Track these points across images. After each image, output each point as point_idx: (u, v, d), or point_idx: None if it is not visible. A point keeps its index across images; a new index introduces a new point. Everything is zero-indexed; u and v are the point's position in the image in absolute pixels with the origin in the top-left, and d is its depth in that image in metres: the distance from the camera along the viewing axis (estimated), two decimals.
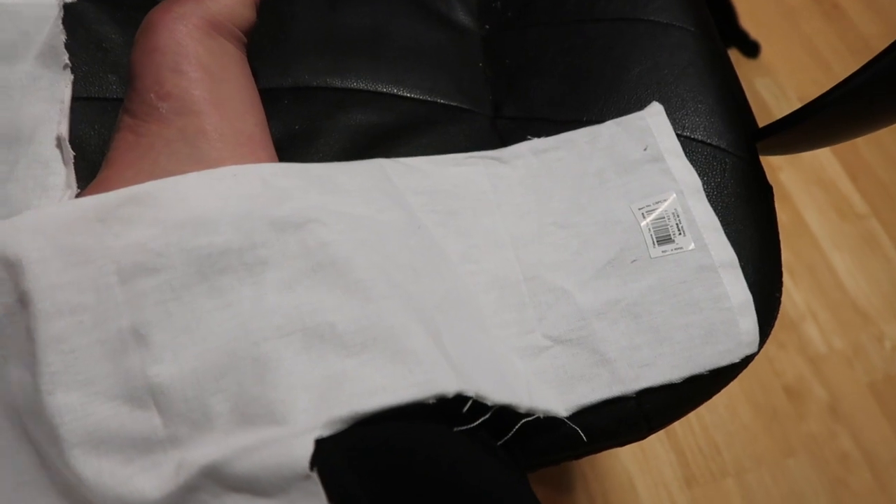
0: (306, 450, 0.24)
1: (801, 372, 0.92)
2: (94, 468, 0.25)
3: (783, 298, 0.40)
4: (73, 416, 0.25)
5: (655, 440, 0.85)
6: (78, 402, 0.25)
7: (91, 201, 0.27)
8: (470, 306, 0.33)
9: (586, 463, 0.81)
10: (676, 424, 0.87)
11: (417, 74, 0.42)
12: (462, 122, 0.42)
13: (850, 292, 0.99)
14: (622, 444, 0.34)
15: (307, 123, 0.40)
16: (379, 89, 0.41)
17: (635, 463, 0.83)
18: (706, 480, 0.84)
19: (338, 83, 0.41)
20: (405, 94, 0.42)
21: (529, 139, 0.40)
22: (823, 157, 1.09)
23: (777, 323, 0.36)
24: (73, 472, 0.25)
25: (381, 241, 0.31)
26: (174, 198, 0.28)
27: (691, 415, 0.88)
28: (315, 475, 0.23)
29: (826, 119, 0.36)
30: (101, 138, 0.36)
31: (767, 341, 0.36)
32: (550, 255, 0.36)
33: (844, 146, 1.08)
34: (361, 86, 0.41)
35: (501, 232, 0.36)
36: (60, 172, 0.30)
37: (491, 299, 0.35)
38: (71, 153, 0.30)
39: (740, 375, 0.35)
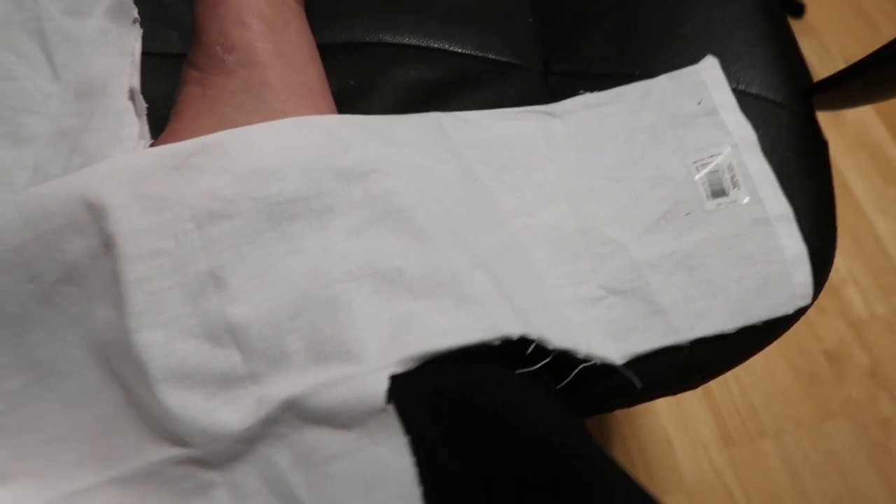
0: (381, 385, 0.25)
1: (842, 337, 0.92)
2: (180, 402, 0.26)
3: None
4: (159, 353, 0.27)
5: (693, 399, 0.86)
6: (162, 340, 0.27)
7: (165, 150, 0.28)
8: (525, 258, 0.34)
9: (624, 421, 0.82)
10: (714, 384, 0.87)
11: (467, 29, 0.43)
12: (512, 78, 0.42)
13: (893, 258, 0.97)
14: (674, 393, 0.35)
15: (361, 78, 0.40)
16: (430, 44, 0.42)
17: (673, 422, 0.84)
18: (744, 441, 0.84)
19: (389, 38, 0.42)
20: (456, 49, 0.42)
21: (581, 94, 0.40)
22: (868, 121, 1.07)
23: None
24: (159, 405, 0.27)
25: (440, 192, 0.31)
26: (242, 148, 0.29)
27: (729, 375, 0.88)
28: (391, 408, 0.24)
29: (883, 74, 0.35)
30: (163, 92, 0.37)
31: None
32: (603, 208, 0.36)
33: (889, 110, 1.06)
34: (413, 41, 0.42)
35: (554, 186, 0.37)
36: (134, 124, 0.31)
37: (545, 252, 0.35)
38: (144, 105, 0.31)
39: (779, 339, 0.35)
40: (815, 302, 0.34)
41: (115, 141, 0.31)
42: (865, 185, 1.01)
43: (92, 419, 0.30)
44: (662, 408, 0.85)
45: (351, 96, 0.40)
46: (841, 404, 0.88)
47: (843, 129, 1.04)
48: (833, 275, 0.96)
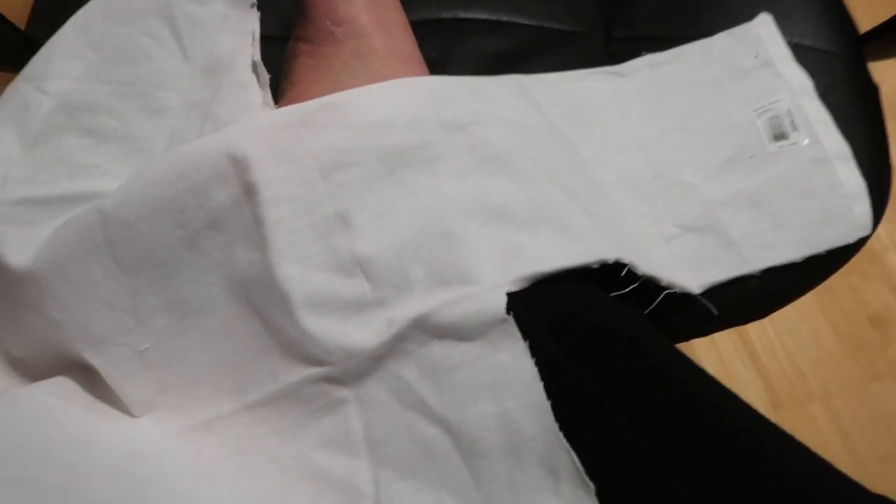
0: (500, 299, 0.28)
1: (886, 301, 0.93)
2: (318, 325, 0.30)
3: None
4: (298, 283, 0.30)
5: (740, 365, 0.88)
6: (300, 272, 0.31)
7: (293, 109, 0.32)
8: (608, 199, 0.37)
9: None
10: (760, 350, 0.89)
11: (534, 2, 0.46)
12: (577, 45, 0.45)
13: None
14: (748, 321, 0.38)
15: (440, 51, 0.44)
16: (500, 18, 0.45)
17: None
18: (792, 404, 0.87)
19: (462, 14, 0.45)
20: (524, 21, 0.45)
21: (643, 55, 0.43)
22: None
23: (860, 254, 0.39)
24: (300, 329, 0.30)
25: (532, 140, 0.35)
26: (358, 105, 0.33)
27: (775, 341, 0.91)
28: (511, 318, 0.28)
29: None
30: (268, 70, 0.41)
31: (851, 272, 0.39)
32: (675, 155, 0.39)
33: None
34: (484, 15, 0.45)
35: (627, 137, 0.40)
36: (258, 94, 0.35)
37: (624, 195, 0.38)
38: (266, 76, 0.35)
39: (823, 305, 0.38)
40: (858, 268, 0.37)
41: (242, 108, 0.35)
42: None
43: (229, 352, 0.33)
44: (711, 373, 0.87)
45: (433, 67, 0.43)
46: (887, 366, 0.89)
47: (881, 98, 1.06)
48: (875, 241, 0.98)
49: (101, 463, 0.28)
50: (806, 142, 0.38)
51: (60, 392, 0.32)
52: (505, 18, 0.45)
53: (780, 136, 0.39)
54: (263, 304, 0.32)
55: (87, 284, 0.32)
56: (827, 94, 0.40)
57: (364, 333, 0.30)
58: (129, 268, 0.32)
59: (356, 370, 0.31)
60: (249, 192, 0.31)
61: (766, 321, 0.90)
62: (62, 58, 0.37)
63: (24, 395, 0.29)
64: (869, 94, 0.41)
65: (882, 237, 0.97)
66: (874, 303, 0.93)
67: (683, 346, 0.42)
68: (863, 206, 0.37)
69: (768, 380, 0.88)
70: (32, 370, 0.36)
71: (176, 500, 0.28)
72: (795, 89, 0.39)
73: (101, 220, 0.31)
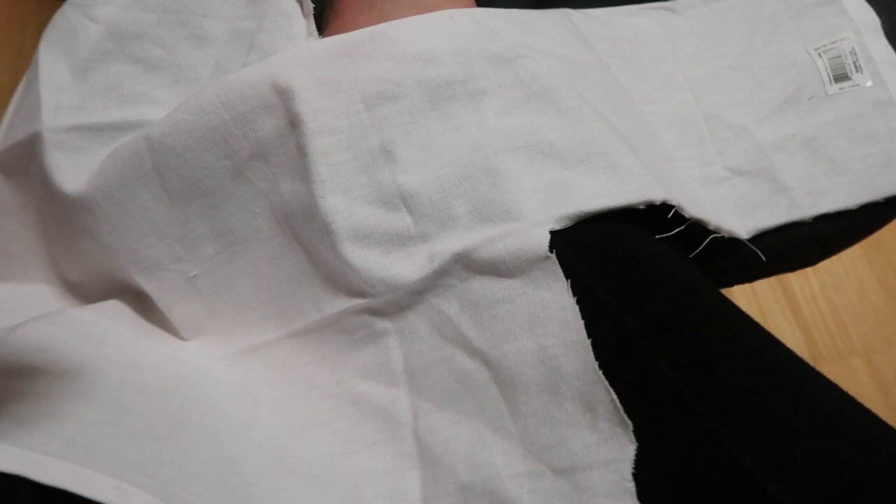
0: (544, 237, 0.28)
1: None
2: (361, 257, 0.31)
3: None
4: (342, 216, 0.31)
5: (780, 316, 0.87)
6: (343, 205, 0.31)
7: (338, 39, 0.32)
8: (657, 138, 0.36)
9: None
10: (804, 303, 0.88)
11: None
12: None
13: None
14: (795, 269, 0.37)
15: None
16: None
17: None
18: (833, 358, 0.85)
19: None
20: None
21: None
22: None
23: None
24: (343, 260, 0.31)
25: (580, 76, 0.34)
26: (404, 36, 0.32)
27: (819, 294, 0.89)
28: (553, 256, 0.28)
29: None
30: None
31: None
32: (727, 95, 0.38)
33: None
34: None
35: (678, 76, 0.39)
36: (301, 23, 0.35)
37: (672, 136, 0.37)
38: (311, 5, 0.35)
39: (871, 258, 0.37)
40: None
41: (286, 38, 0.35)
42: None
43: (274, 281, 0.34)
44: None
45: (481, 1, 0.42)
46: None
47: None
48: None
49: (150, 382, 0.29)
50: (869, 83, 0.37)
51: (113, 314, 0.34)
52: None
53: (841, 77, 0.37)
54: (307, 235, 0.32)
55: (138, 211, 0.33)
56: (895, 33, 0.38)
57: (406, 267, 0.31)
58: (177, 196, 0.33)
59: (398, 303, 0.31)
60: (294, 122, 0.31)
61: (810, 273, 0.88)
62: None
63: (78, 315, 0.30)
64: None
65: None
66: None
67: (724, 293, 0.42)
68: None
69: (809, 333, 0.87)
70: (87, 293, 0.37)
71: (220, 420, 0.30)
72: (861, 27, 0.37)
73: (149, 148, 0.32)
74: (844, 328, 0.87)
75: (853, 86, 0.37)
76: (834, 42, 0.38)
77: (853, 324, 0.87)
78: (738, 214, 0.36)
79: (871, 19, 0.38)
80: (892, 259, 0.90)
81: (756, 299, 0.88)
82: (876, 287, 0.89)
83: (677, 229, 0.32)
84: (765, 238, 0.36)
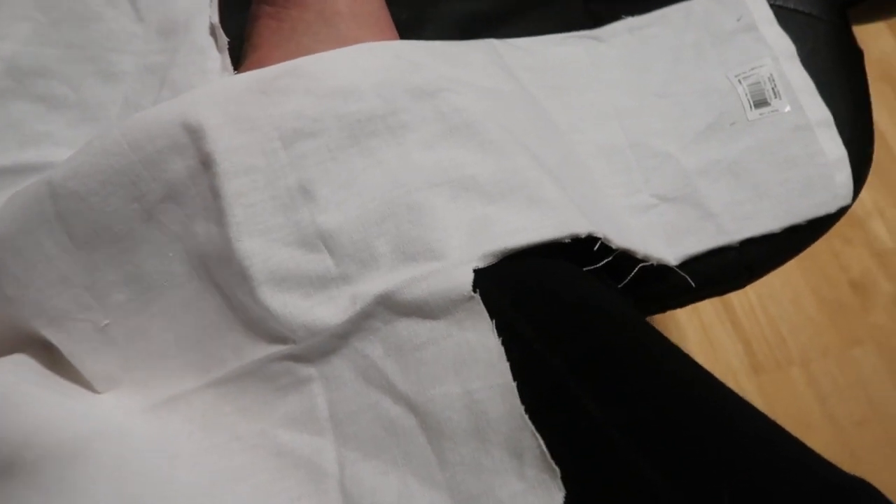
0: (467, 276, 0.27)
1: (867, 266, 0.94)
2: (280, 302, 0.29)
3: None
4: (259, 259, 0.29)
5: (722, 331, 0.88)
6: (260, 247, 0.29)
7: (253, 75, 0.31)
8: (583, 169, 0.36)
9: None
10: (743, 316, 0.90)
11: None
12: (555, 6, 0.43)
13: None
14: (724, 293, 0.38)
15: (411, 13, 0.42)
16: None
17: (703, 353, 0.87)
18: (772, 368, 0.87)
19: None
20: None
21: (623, 18, 0.41)
22: (892, 55, 1.07)
23: (843, 220, 0.38)
24: (261, 306, 0.29)
25: (504, 108, 0.33)
26: (322, 70, 0.31)
27: (756, 306, 0.91)
28: (477, 296, 0.27)
29: None
30: (227, 32, 0.39)
31: (834, 237, 0.38)
32: (653, 123, 0.38)
33: None
34: None
35: (604, 104, 0.39)
36: (216, 58, 0.34)
37: (600, 165, 0.37)
38: (225, 39, 0.34)
39: (805, 270, 0.37)
40: (841, 233, 0.36)
41: (200, 74, 0.33)
42: (891, 118, 1.01)
43: (192, 328, 0.32)
44: (693, 339, 0.88)
45: (404, 30, 0.41)
46: (867, 331, 0.90)
47: (867, 63, 1.04)
48: (858, 207, 0.98)
49: (52, 446, 0.27)
50: (787, 109, 0.37)
51: (16, 370, 0.31)
52: None
53: (760, 102, 0.37)
54: (224, 280, 0.31)
55: (40, 259, 0.31)
56: (810, 59, 0.39)
57: (328, 310, 0.29)
58: (83, 242, 0.31)
59: (321, 348, 0.30)
60: (206, 162, 0.30)
61: (747, 286, 0.90)
62: (8, 18, 0.35)
63: None
64: (853, 58, 0.40)
65: (865, 202, 0.97)
66: (856, 268, 0.94)
67: (665, 314, 0.42)
68: (844, 176, 0.36)
69: (749, 344, 0.88)
70: None
71: (131, 482, 0.28)
72: (778, 54, 0.38)
73: (50, 193, 0.30)
74: (782, 339, 0.89)
75: (772, 111, 0.37)
76: (753, 69, 0.38)
77: (790, 334, 0.89)
78: (666, 241, 0.36)
79: (787, 46, 0.39)
80: (825, 269, 0.93)
81: (697, 314, 0.90)
82: (810, 297, 0.92)
83: (605, 260, 0.32)
84: (693, 264, 0.36)
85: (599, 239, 0.30)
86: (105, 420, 0.31)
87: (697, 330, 0.89)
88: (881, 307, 0.91)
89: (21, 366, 0.32)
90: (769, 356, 0.88)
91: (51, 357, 0.34)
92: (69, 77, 0.35)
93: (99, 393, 0.33)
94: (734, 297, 0.90)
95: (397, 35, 0.36)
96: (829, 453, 0.24)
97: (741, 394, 0.26)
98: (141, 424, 0.32)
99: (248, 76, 0.31)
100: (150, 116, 0.30)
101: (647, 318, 0.38)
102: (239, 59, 0.35)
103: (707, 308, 0.90)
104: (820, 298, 0.92)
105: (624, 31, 0.41)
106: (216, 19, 0.34)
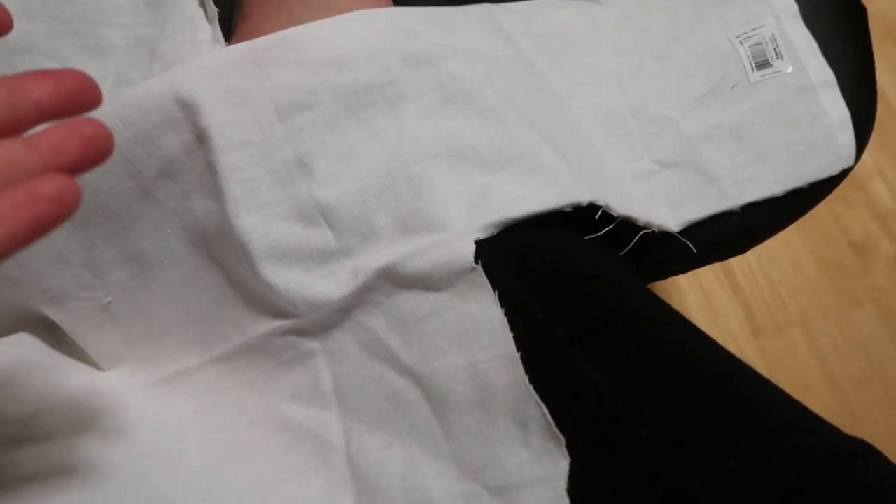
0: (468, 248, 0.27)
1: (868, 228, 0.93)
2: (282, 277, 0.29)
3: None
4: (258, 234, 0.29)
5: (723, 295, 0.89)
6: (259, 223, 0.29)
7: (244, 46, 0.30)
8: (584, 136, 0.35)
9: None
10: (743, 279, 0.90)
11: None
12: None
13: None
14: (726, 258, 0.37)
15: None
16: None
17: (704, 317, 0.87)
18: (772, 331, 0.88)
19: None
20: None
21: None
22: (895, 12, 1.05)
23: (844, 181, 0.37)
24: (262, 281, 0.29)
25: (502, 74, 0.33)
26: (315, 40, 0.31)
27: (757, 269, 0.91)
28: (479, 267, 0.27)
29: None
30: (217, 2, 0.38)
31: (834, 199, 0.38)
32: (653, 87, 0.38)
33: None
34: None
35: (603, 69, 0.38)
36: (206, 29, 0.33)
37: (600, 131, 0.37)
38: (215, 10, 0.33)
39: (805, 232, 0.37)
40: (841, 195, 0.36)
41: (190, 45, 0.33)
42: (893, 77, 1.00)
43: (193, 305, 0.32)
44: (693, 305, 0.88)
45: None
46: (867, 292, 0.90)
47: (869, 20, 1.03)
48: (859, 168, 0.97)
49: (59, 425, 0.27)
50: (790, 70, 0.37)
51: (20, 349, 0.31)
52: None
53: (763, 64, 0.37)
54: (224, 256, 0.31)
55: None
56: (812, 18, 0.38)
57: (329, 284, 0.29)
58: (80, 220, 0.31)
59: (323, 322, 0.30)
60: (201, 138, 0.29)
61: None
62: None
63: None
64: (856, 16, 0.39)
65: (867, 164, 0.96)
66: (856, 230, 0.93)
67: (666, 280, 0.41)
68: (847, 137, 0.36)
69: (749, 308, 0.88)
70: None
71: (140, 458, 0.28)
72: (780, 13, 0.37)
73: None
74: (782, 301, 0.89)
75: (775, 73, 0.37)
76: (754, 29, 0.37)
77: (790, 296, 0.89)
78: (668, 207, 0.36)
79: (789, 5, 0.38)
80: (824, 231, 0.93)
81: (697, 279, 0.90)
82: (810, 259, 0.91)
83: (607, 228, 0.31)
84: (695, 229, 0.36)
85: (601, 207, 0.30)
86: (110, 398, 0.31)
87: (698, 295, 0.89)
88: (881, 268, 0.91)
89: (25, 344, 0.32)
90: (769, 319, 0.88)
91: (54, 337, 0.34)
92: (57, 52, 0.34)
93: (104, 370, 0.33)
94: (734, 261, 0.90)
95: (391, 2, 0.35)
96: (829, 414, 0.24)
97: (742, 357, 0.26)
98: (146, 401, 0.32)
99: (240, 47, 0.30)
100: (141, 91, 0.29)
101: (649, 285, 0.38)
102: (230, 30, 0.34)
103: (707, 273, 0.90)
104: (820, 260, 0.92)
105: None
106: None
